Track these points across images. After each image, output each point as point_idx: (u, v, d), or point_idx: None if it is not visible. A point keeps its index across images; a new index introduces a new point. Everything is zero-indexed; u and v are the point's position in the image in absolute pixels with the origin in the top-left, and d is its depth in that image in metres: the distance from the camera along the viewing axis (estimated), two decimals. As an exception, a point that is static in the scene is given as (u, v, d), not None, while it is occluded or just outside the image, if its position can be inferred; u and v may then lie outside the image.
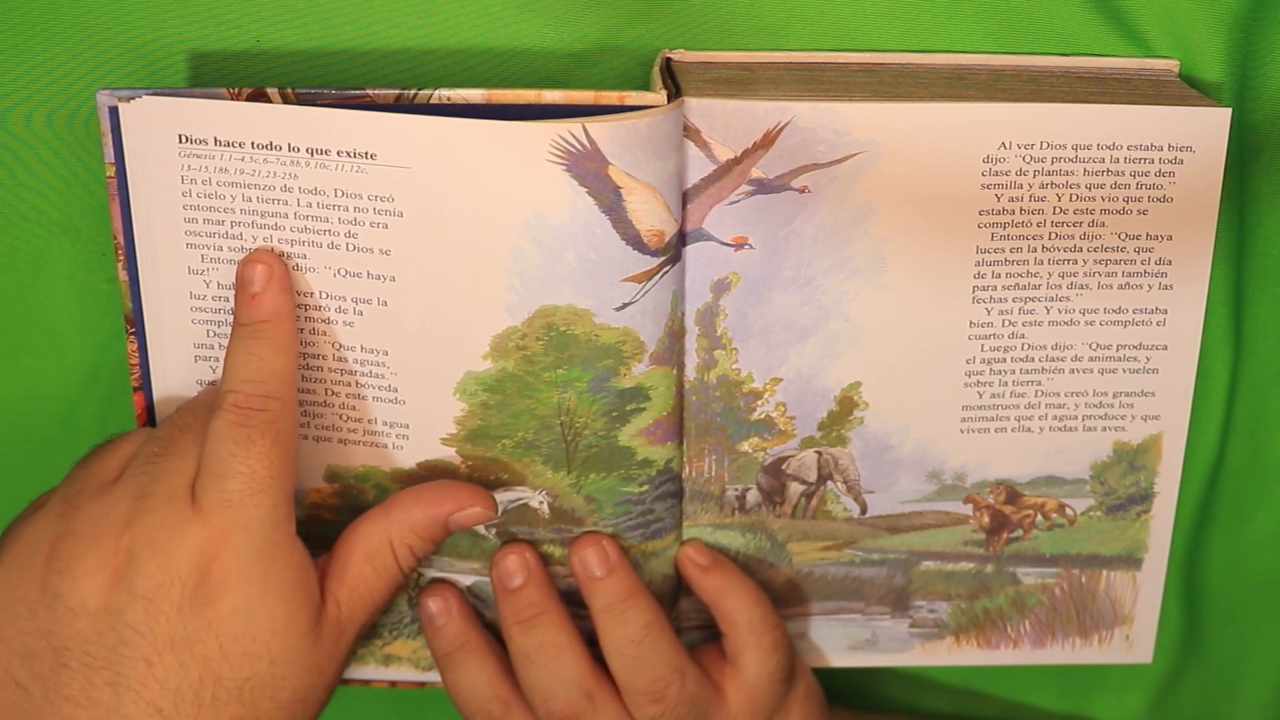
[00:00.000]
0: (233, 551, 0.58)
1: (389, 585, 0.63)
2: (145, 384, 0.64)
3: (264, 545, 0.58)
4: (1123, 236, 0.64)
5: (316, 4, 0.64)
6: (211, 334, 0.63)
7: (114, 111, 0.60)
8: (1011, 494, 0.69)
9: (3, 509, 0.73)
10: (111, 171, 0.61)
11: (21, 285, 0.68)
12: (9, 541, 0.59)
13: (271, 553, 0.59)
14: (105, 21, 0.63)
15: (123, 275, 0.63)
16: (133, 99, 0.59)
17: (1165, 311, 0.66)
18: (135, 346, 0.64)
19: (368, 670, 0.71)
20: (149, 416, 0.65)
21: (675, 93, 0.61)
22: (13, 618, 0.57)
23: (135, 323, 0.63)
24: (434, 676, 0.71)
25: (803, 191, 0.63)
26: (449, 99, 0.59)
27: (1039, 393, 0.67)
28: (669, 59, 0.65)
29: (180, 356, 0.64)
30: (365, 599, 0.62)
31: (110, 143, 0.60)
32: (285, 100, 0.59)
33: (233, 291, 0.62)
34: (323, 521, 0.66)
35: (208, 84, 0.64)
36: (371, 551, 0.62)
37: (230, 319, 0.63)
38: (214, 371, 0.64)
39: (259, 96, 0.59)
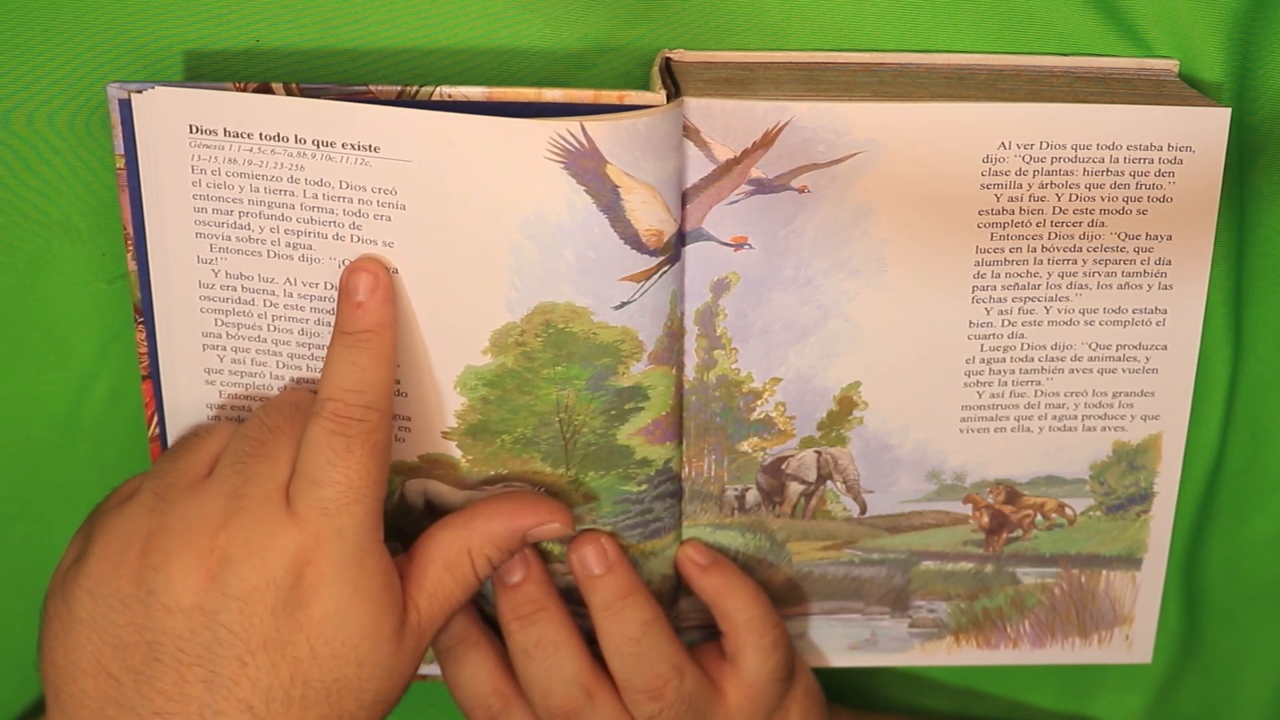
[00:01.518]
0: (326, 558, 0.58)
1: (465, 593, 0.63)
2: (153, 373, 0.65)
3: (355, 553, 0.59)
4: (1122, 236, 0.64)
5: (316, 4, 0.64)
6: (219, 323, 0.64)
7: (125, 104, 0.60)
8: (1011, 494, 0.69)
9: (3, 509, 0.73)
10: (121, 163, 0.61)
11: (22, 285, 0.68)
12: (99, 531, 0.60)
13: (362, 559, 0.59)
14: (106, 21, 0.63)
15: (132, 265, 0.63)
16: (144, 90, 0.60)
17: (1165, 311, 0.66)
18: (144, 335, 0.64)
19: None
20: (158, 405, 0.65)
21: (675, 92, 0.61)
22: (105, 610, 0.58)
23: (144, 312, 0.64)
24: (434, 670, 0.71)
25: (802, 191, 0.63)
26: (450, 96, 0.60)
27: (1039, 393, 0.67)
28: (669, 59, 0.65)
29: (189, 345, 0.64)
30: (443, 605, 0.62)
31: (120, 134, 0.61)
32: (290, 94, 0.60)
33: (242, 282, 0.62)
34: None
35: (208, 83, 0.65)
36: (451, 560, 0.63)
37: (237, 309, 0.63)
38: (221, 360, 0.64)
39: (264, 91, 0.60)
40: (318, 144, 0.59)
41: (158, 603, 0.58)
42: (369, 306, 0.60)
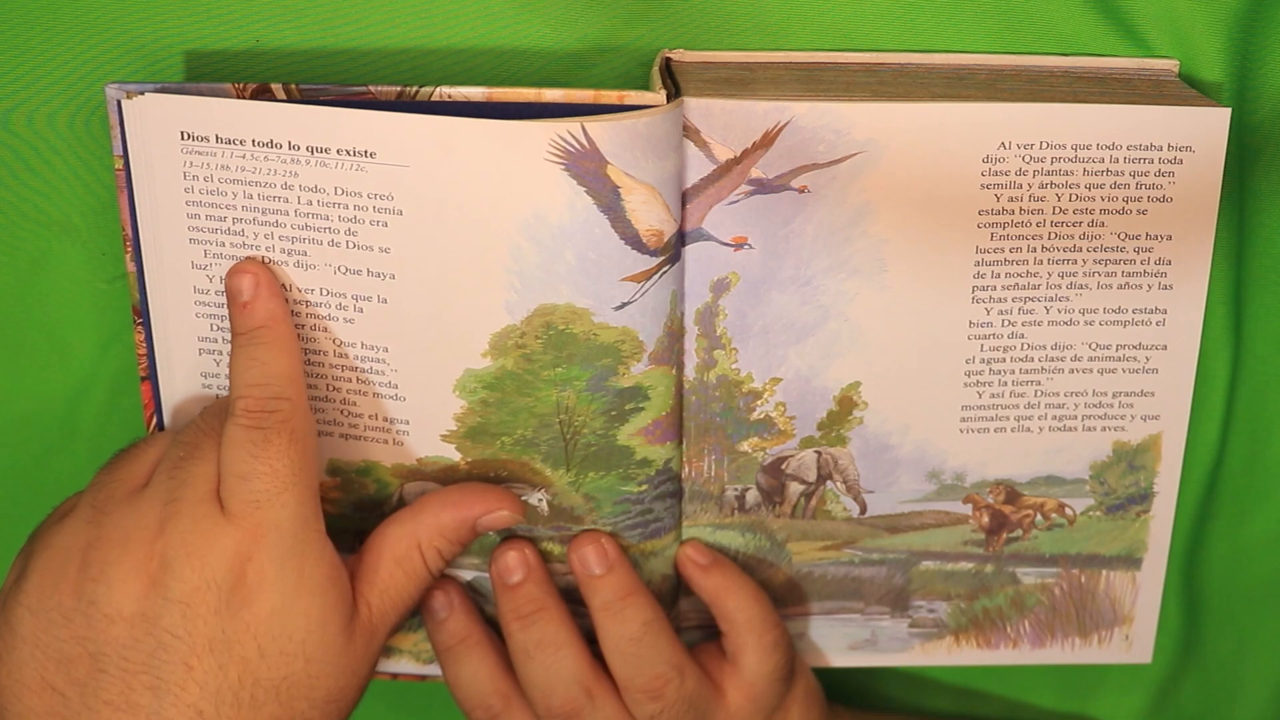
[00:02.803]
0: (266, 552, 0.58)
1: (418, 587, 0.63)
2: (152, 374, 0.65)
3: (295, 544, 0.59)
4: (1122, 236, 0.64)
5: (317, 4, 0.64)
6: (215, 327, 0.64)
7: (121, 105, 0.60)
8: (1011, 494, 0.69)
9: (3, 509, 0.73)
10: (120, 164, 0.61)
11: (22, 285, 0.68)
12: (38, 549, 0.60)
13: (303, 550, 0.59)
14: (106, 21, 0.63)
15: (131, 266, 0.63)
16: (136, 95, 0.60)
17: (1165, 311, 0.66)
18: (143, 337, 0.64)
19: None
20: (156, 406, 0.66)
21: (675, 92, 0.61)
22: (47, 624, 0.58)
23: (143, 314, 0.64)
24: (434, 670, 0.71)
25: (802, 191, 0.63)
26: (450, 96, 0.60)
27: (1039, 393, 0.67)
28: (669, 59, 0.65)
29: (185, 349, 0.64)
30: (395, 601, 0.62)
31: (118, 135, 0.61)
32: (289, 95, 0.60)
33: None
34: (324, 513, 0.67)
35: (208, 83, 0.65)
36: (400, 554, 0.63)
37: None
38: (218, 364, 0.64)
39: (263, 92, 0.60)
40: (312, 150, 0.59)
41: (99, 613, 0.57)
42: (255, 305, 0.61)
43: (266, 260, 0.62)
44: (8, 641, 0.58)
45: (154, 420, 0.66)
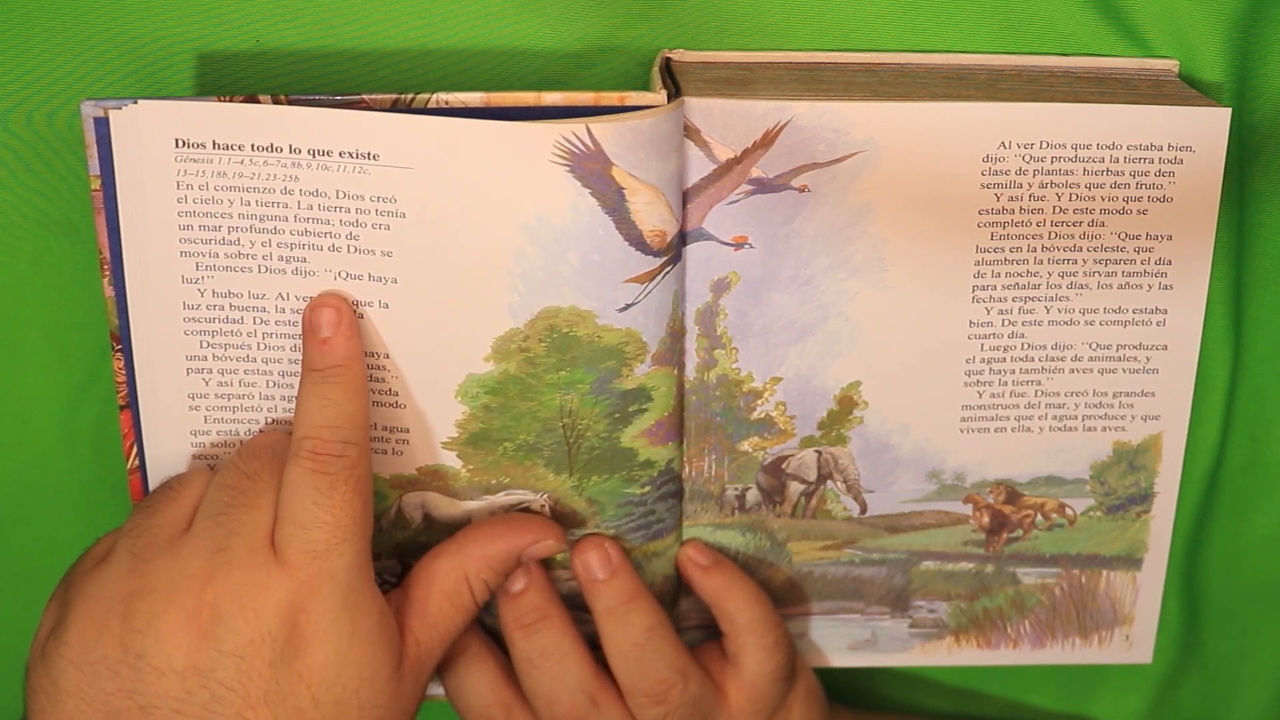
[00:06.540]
0: (321, 603, 0.58)
1: (466, 619, 0.63)
2: (132, 401, 0.63)
3: (349, 594, 0.58)
4: (1123, 236, 0.64)
5: (316, 4, 0.64)
6: (205, 345, 0.62)
7: (101, 122, 0.59)
8: (1011, 494, 0.69)
9: (3, 509, 0.73)
10: (97, 184, 0.60)
11: (21, 285, 0.68)
12: (77, 597, 0.59)
13: (356, 600, 0.59)
14: (105, 22, 0.63)
15: (109, 290, 0.61)
16: (123, 106, 0.58)
17: (1165, 311, 0.66)
18: (122, 364, 0.63)
19: None
20: (137, 434, 0.64)
21: (675, 92, 0.61)
22: (92, 678, 0.57)
23: (122, 339, 0.62)
24: (434, 690, 0.70)
25: (802, 191, 0.63)
26: (447, 102, 0.59)
27: (1039, 392, 0.67)
28: (668, 59, 0.65)
29: (171, 370, 0.63)
30: (444, 634, 0.62)
31: (96, 154, 0.59)
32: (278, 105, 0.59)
33: (230, 300, 0.61)
34: None
35: (207, 84, 0.64)
36: (449, 589, 0.62)
37: (224, 329, 0.62)
38: (207, 384, 0.63)
39: (251, 103, 0.58)
40: (314, 153, 0.59)
41: (148, 666, 0.57)
42: (335, 342, 0.60)
43: (352, 301, 0.61)
44: (50, 694, 0.57)
45: (134, 450, 0.64)
